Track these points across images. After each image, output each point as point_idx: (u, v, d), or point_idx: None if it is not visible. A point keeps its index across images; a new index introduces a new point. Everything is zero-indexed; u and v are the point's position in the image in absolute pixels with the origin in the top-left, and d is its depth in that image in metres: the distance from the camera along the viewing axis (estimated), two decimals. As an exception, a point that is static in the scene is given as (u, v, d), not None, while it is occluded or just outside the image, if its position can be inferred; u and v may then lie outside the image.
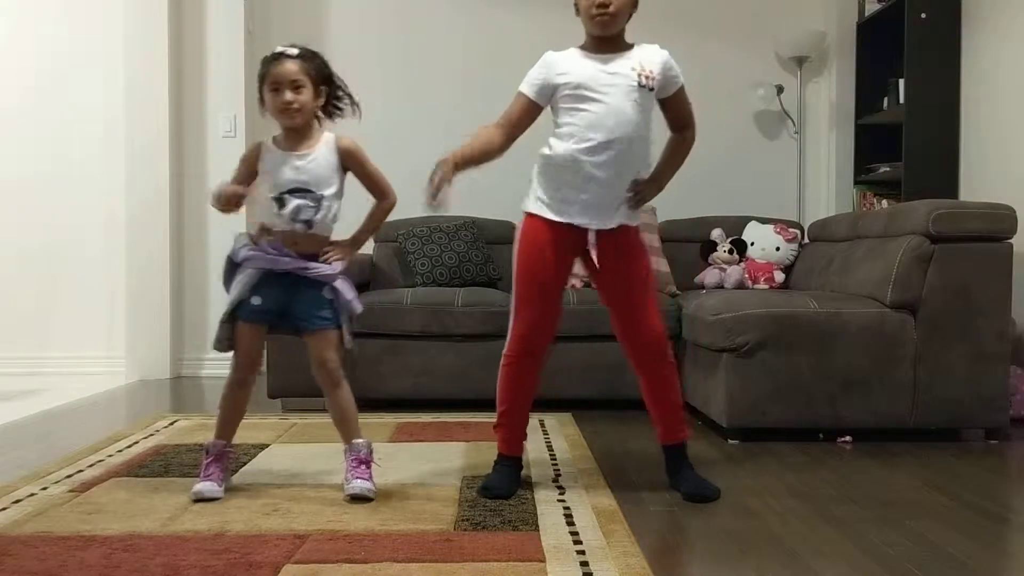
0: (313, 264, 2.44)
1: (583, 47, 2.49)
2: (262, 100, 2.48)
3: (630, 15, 2.44)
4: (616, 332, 2.56)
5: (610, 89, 2.39)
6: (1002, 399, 3.24)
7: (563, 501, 2.41)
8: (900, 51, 4.50)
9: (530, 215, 2.50)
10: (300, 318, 2.47)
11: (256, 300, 2.45)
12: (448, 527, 2.18)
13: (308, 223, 2.42)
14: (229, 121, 4.98)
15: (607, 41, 2.45)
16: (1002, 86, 4.13)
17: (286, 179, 2.42)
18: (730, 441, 3.23)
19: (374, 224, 2.60)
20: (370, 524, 2.20)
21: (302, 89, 2.41)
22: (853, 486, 2.64)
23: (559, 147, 2.43)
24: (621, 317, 2.54)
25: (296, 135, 2.47)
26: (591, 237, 2.43)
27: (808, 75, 5.20)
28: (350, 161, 2.51)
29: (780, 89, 5.14)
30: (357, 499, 2.39)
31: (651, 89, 2.44)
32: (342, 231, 2.55)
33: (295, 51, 2.44)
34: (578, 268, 2.59)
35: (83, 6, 5.06)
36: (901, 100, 4.53)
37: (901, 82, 4.53)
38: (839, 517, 2.31)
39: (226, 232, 5.01)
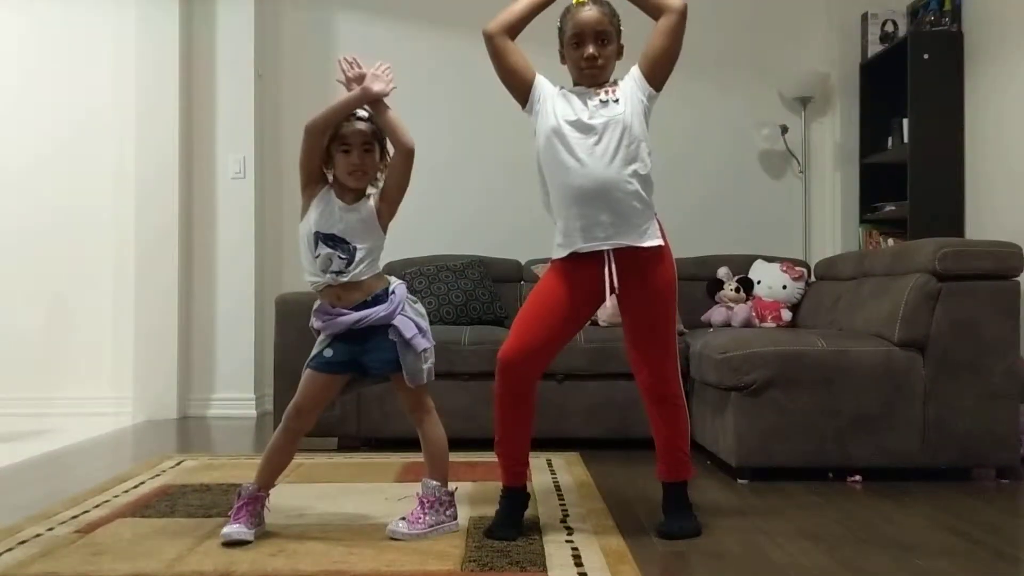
0: (364, 312, 2.45)
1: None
2: (328, 162, 2.47)
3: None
4: (632, 370, 2.56)
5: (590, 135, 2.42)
6: (1013, 438, 3.21)
7: (571, 542, 2.39)
8: (903, 91, 4.54)
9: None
10: (371, 367, 2.50)
11: (328, 352, 2.47)
12: (455, 567, 2.17)
13: (337, 274, 2.43)
14: (238, 163, 5.03)
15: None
16: (1006, 124, 4.15)
17: (325, 221, 2.44)
18: (739, 481, 3.21)
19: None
20: (376, 565, 2.18)
21: (371, 152, 2.45)
22: (864, 526, 2.61)
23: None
24: (630, 349, 2.54)
25: (352, 190, 2.48)
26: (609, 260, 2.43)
27: (812, 115, 5.24)
28: (381, 199, 2.50)
29: (785, 129, 5.18)
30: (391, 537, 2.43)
31: (616, 100, 2.43)
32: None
33: (365, 114, 2.47)
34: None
35: (95, 49, 5.13)
36: (905, 139, 4.56)
37: (905, 122, 4.57)
38: (850, 558, 2.29)
39: (234, 275, 5.11)
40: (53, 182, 5.12)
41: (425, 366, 2.53)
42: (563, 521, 2.61)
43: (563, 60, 2.53)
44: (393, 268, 4.60)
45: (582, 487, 3.06)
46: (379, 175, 2.50)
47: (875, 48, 4.96)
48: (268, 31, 5.23)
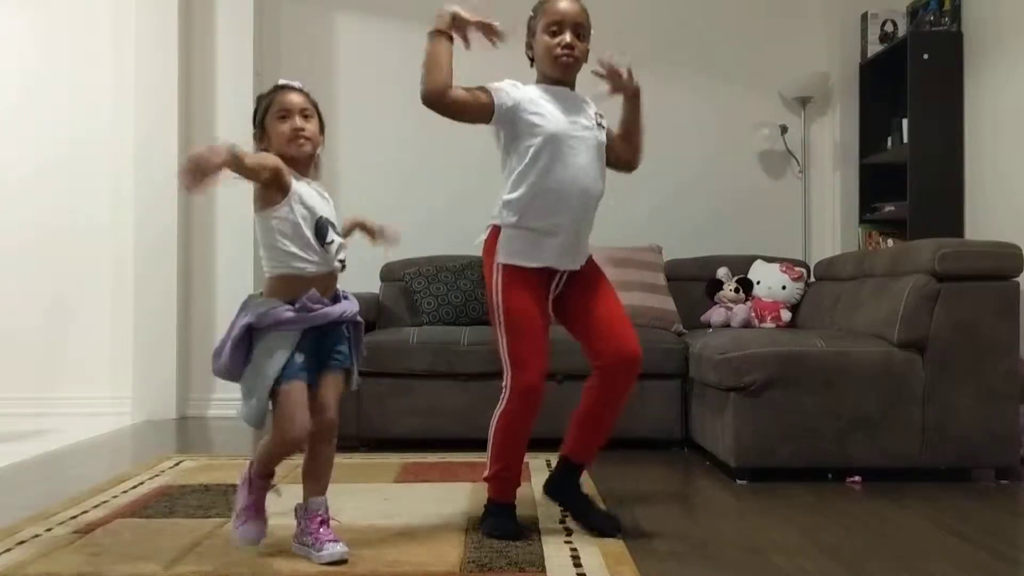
0: (343, 306, 2.30)
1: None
2: (262, 134, 2.33)
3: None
4: (591, 348, 2.51)
5: (579, 143, 2.46)
6: (1012, 439, 3.21)
7: (570, 543, 2.39)
8: (903, 91, 4.54)
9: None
10: (332, 360, 2.30)
11: (299, 357, 2.21)
12: (454, 568, 2.16)
13: (344, 264, 2.28)
14: (238, 162, 5.02)
15: (561, 84, 2.50)
16: (1006, 124, 4.15)
17: (321, 209, 2.27)
18: (738, 481, 3.20)
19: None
20: (376, 566, 2.18)
21: (311, 119, 2.32)
22: (863, 526, 2.61)
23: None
24: (600, 330, 2.49)
25: (302, 173, 2.31)
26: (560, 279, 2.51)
27: (812, 115, 5.23)
28: None
29: (784, 129, 5.18)
30: (336, 564, 2.20)
31: (602, 127, 2.52)
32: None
33: (299, 83, 2.37)
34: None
35: (94, 48, 5.12)
36: (905, 140, 4.56)
37: (904, 122, 4.56)
38: (849, 558, 2.29)
39: (232, 274, 5.11)
40: (54, 182, 5.10)
41: None
42: (562, 522, 2.60)
43: (530, 54, 2.53)
44: (393, 268, 4.60)
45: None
46: (321, 144, 2.35)
47: (875, 48, 4.96)
48: (268, 31, 5.23)
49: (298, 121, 2.28)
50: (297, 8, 5.28)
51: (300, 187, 2.26)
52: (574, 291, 2.54)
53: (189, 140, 5.04)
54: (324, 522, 2.29)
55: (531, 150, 2.43)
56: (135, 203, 4.95)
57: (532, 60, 2.56)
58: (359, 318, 2.37)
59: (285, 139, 2.28)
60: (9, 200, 5.10)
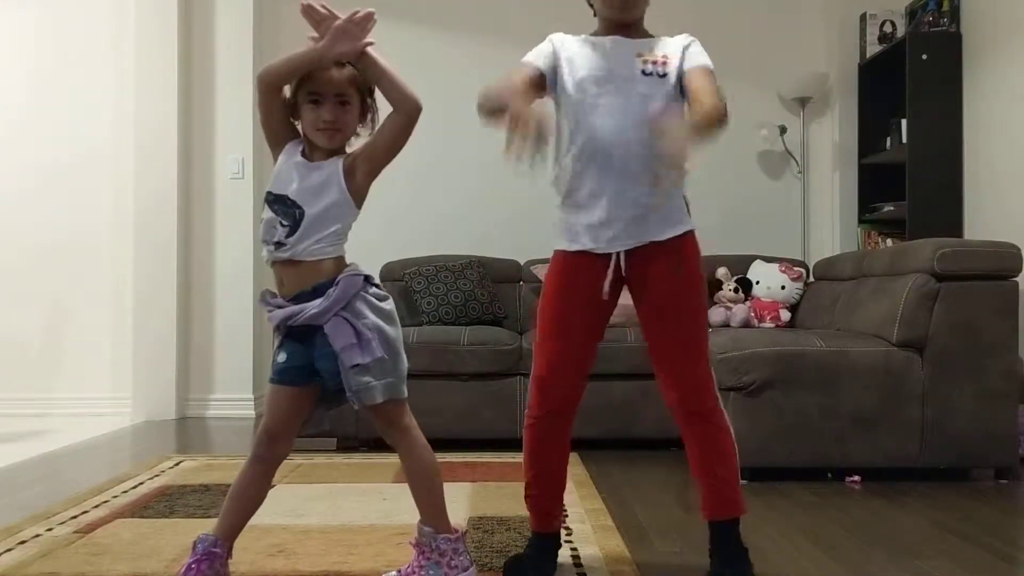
0: (296, 308, 1.88)
1: (594, 33, 2.12)
2: (294, 105, 1.95)
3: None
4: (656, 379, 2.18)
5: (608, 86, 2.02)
6: (1011, 438, 3.22)
7: (570, 542, 2.39)
8: (902, 91, 4.54)
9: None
10: (327, 378, 1.92)
11: (281, 357, 1.94)
12: (455, 568, 2.16)
13: (277, 245, 1.89)
14: (237, 163, 5.02)
15: (624, 28, 2.07)
16: (1004, 124, 4.16)
17: (280, 180, 1.93)
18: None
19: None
20: (375, 565, 2.18)
21: (348, 106, 1.93)
22: (862, 526, 2.62)
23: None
24: (652, 359, 2.14)
25: (323, 148, 1.96)
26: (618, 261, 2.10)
27: (811, 115, 5.24)
28: (360, 155, 1.96)
29: (783, 130, 5.18)
30: None
31: (662, 75, 2.02)
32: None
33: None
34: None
35: (94, 49, 5.13)
36: (904, 140, 4.56)
37: (903, 122, 4.57)
38: (848, 557, 2.29)
39: (232, 274, 5.12)
40: (56, 184, 5.11)
41: (380, 381, 1.89)
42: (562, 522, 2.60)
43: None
44: (392, 268, 4.60)
45: (581, 487, 3.06)
46: (359, 133, 1.99)
47: (874, 49, 4.97)
48: (267, 31, 5.23)
49: (327, 113, 1.90)
50: (297, 8, 5.27)
51: (282, 160, 1.95)
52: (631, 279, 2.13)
53: (188, 142, 5.05)
54: (422, 554, 1.97)
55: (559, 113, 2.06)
56: (136, 204, 4.95)
57: (593, 6, 2.12)
58: (329, 328, 1.87)
59: (312, 128, 1.92)
60: (11, 201, 5.11)
